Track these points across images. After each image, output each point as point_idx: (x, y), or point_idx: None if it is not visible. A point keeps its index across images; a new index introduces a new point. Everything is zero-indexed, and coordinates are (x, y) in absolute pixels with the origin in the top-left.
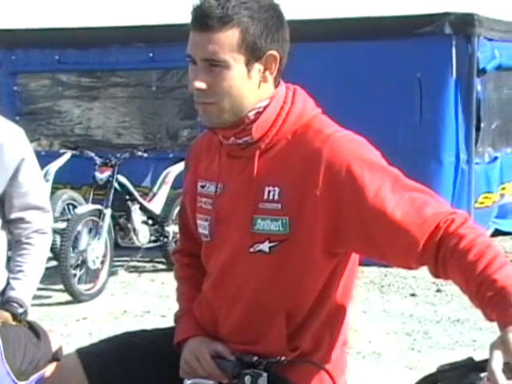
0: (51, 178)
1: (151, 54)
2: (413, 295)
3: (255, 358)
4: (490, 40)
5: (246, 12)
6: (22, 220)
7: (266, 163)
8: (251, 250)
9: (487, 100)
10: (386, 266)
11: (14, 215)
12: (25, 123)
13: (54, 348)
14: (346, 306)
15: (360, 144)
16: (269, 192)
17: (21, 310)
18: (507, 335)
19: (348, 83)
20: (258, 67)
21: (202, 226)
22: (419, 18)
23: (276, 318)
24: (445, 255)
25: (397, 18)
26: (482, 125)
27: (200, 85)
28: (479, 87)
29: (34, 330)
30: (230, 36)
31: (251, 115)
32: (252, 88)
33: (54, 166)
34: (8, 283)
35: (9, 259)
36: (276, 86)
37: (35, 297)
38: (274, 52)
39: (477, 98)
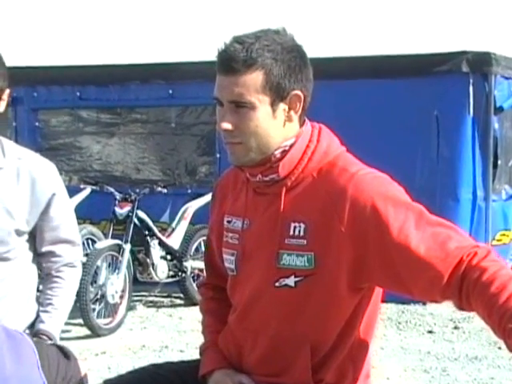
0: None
1: (170, 91)
2: (430, 332)
3: None
4: (507, 78)
5: (270, 54)
6: (52, 253)
7: (292, 200)
8: (277, 284)
9: (504, 138)
10: (403, 303)
11: (44, 249)
12: (47, 159)
13: (82, 373)
14: (369, 339)
15: (384, 181)
16: (294, 228)
17: (49, 343)
18: None
19: (366, 121)
20: (282, 107)
21: (229, 261)
22: (437, 57)
23: (301, 351)
24: (468, 288)
25: (415, 57)
26: (499, 162)
27: (227, 126)
28: (496, 125)
29: (64, 351)
30: (255, 78)
31: (277, 153)
32: (277, 127)
33: (74, 202)
34: (38, 316)
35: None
36: (301, 124)
37: None
38: (297, 92)
39: (494, 136)
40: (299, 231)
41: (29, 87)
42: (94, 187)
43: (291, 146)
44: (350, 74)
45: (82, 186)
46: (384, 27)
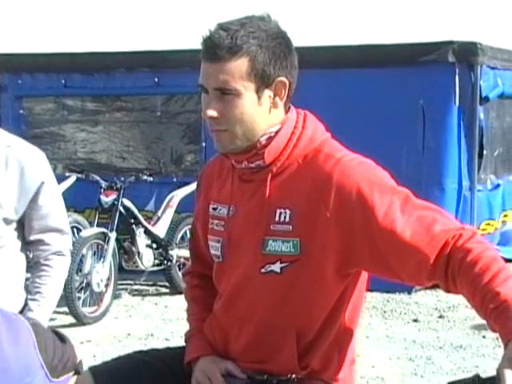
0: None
1: (156, 79)
2: (415, 321)
3: (266, 376)
4: (493, 68)
5: (255, 41)
6: (41, 242)
7: (278, 186)
8: (262, 270)
9: (490, 128)
10: (388, 292)
11: (33, 237)
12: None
13: (78, 359)
14: (354, 327)
15: (369, 166)
16: (280, 214)
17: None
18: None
19: (351, 111)
20: (267, 94)
21: (214, 248)
22: (422, 46)
23: (287, 337)
24: (453, 269)
25: (400, 46)
26: (485, 152)
27: (212, 113)
28: (482, 115)
29: (59, 335)
30: (240, 65)
31: (263, 140)
32: (263, 114)
33: (59, 190)
34: (26, 304)
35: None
36: (286, 111)
37: None
38: (283, 78)
39: (479, 126)
40: (285, 217)
41: (13, 74)
42: (79, 175)
43: (277, 133)
44: (334, 64)
45: (67, 174)
46: (370, 16)
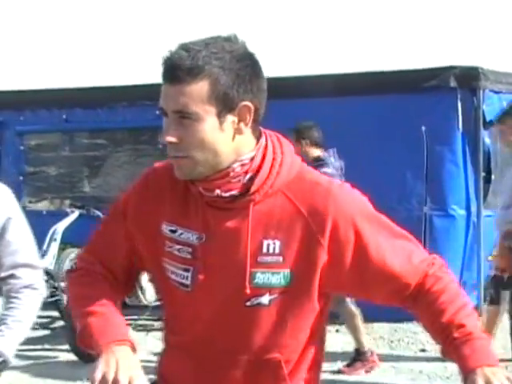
0: (59, 237)
1: (158, 112)
2: (423, 351)
3: None
4: (497, 93)
5: (217, 62)
6: (12, 276)
7: (262, 216)
8: (248, 303)
9: (498, 152)
10: (395, 321)
11: (3, 274)
12: (31, 183)
13: None
14: (323, 345)
15: (356, 197)
16: (268, 245)
17: None
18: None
19: (354, 138)
20: (231, 119)
21: (179, 275)
22: (424, 72)
23: (276, 366)
24: (420, 293)
25: (401, 73)
26: (493, 177)
27: (171, 139)
28: (487, 140)
29: None
30: (201, 87)
31: (236, 167)
32: (225, 140)
33: (62, 226)
34: None
35: None
36: (257, 137)
37: (40, 357)
38: (247, 103)
39: (484, 151)
40: (274, 248)
41: (15, 111)
42: (81, 211)
43: (252, 160)
44: (336, 92)
45: (69, 210)
46: (371, 43)
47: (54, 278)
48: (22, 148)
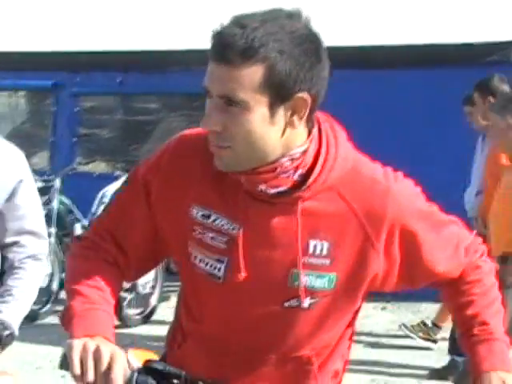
0: (107, 200)
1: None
2: None
3: None
4: None
5: (275, 45)
6: (16, 244)
7: (310, 214)
8: (286, 304)
9: None
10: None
11: (8, 239)
12: (83, 145)
13: None
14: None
15: (413, 193)
16: (315, 246)
17: (6, 333)
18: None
19: (404, 112)
20: (283, 111)
21: (209, 265)
22: (484, 46)
23: (307, 364)
24: (455, 280)
25: (460, 46)
26: None
27: (214, 127)
28: None
29: None
30: (253, 73)
31: (285, 161)
32: (275, 134)
33: (111, 189)
34: None
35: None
36: (309, 128)
37: None
38: (304, 94)
39: None
40: (321, 250)
41: (70, 72)
42: None
43: (303, 153)
44: (394, 63)
45: (119, 173)
46: (428, 15)
47: None
48: (76, 110)
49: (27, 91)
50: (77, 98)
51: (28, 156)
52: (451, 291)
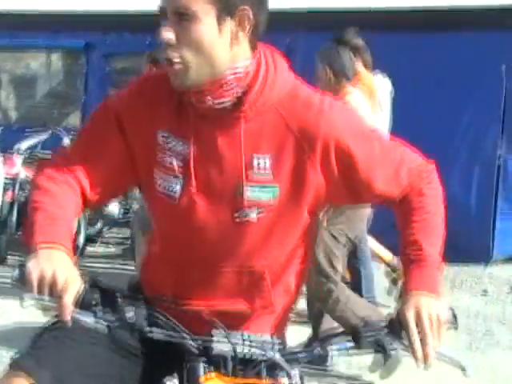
0: None
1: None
2: (484, 294)
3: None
4: None
5: None
6: None
7: (253, 131)
8: (237, 220)
9: None
10: (460, 263)
11: None
12: None
13: None
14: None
15: (349, 115)
16: (258, 160)
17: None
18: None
19: (430, 74)
20: (229, 25)
21: (167, 187)
22: (508, 9)
23: (261, 279)
24: (401, 203)
25: (484, 9)
26: None
27: (168, 34)
28: None
29: None
30: None
31: (228, 74)
32: (222, 46)
33: None
34: None
35: None
36: (253, 50)
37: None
38: (246, 7)
39: None
40: (264, 163)
41: (101, 33)
42: None
43: (246, 73)
44: (418, 27)
45: None
46: None
47: (128, 198)
48: (107, 70)
49: (61, 51)
50: (107, 59)
51: (61, 114)
52: (397, 214)
